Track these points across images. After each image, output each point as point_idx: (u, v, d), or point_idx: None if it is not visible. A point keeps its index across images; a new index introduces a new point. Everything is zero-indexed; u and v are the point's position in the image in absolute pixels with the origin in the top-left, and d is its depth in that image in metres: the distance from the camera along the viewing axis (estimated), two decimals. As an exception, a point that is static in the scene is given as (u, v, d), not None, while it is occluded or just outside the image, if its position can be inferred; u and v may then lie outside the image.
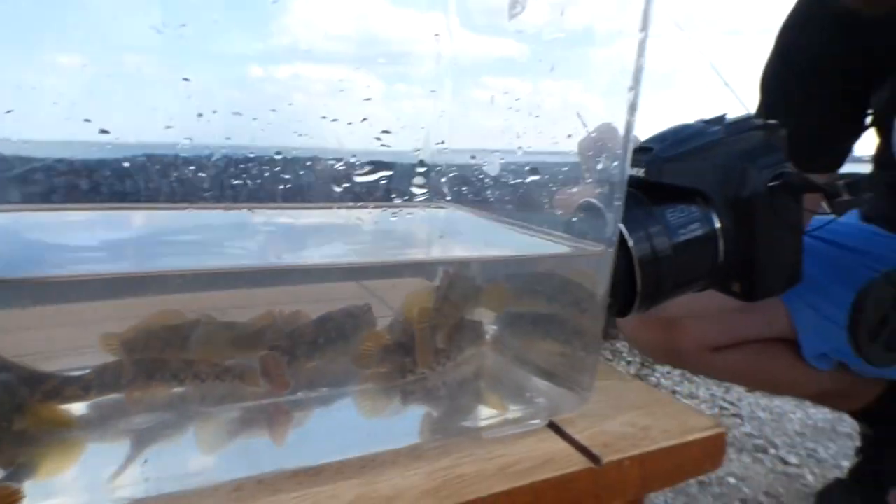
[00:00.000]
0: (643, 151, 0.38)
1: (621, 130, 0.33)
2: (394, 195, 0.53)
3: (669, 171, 0.36)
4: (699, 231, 0.36)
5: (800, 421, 1.18)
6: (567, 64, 0.39)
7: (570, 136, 0.38)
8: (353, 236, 0.41)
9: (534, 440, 0.37)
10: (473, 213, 0.51)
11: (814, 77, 0.65)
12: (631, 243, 0.35)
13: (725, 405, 1.24)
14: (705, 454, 0.39)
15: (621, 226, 0.35)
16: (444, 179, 0.58)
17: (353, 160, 0.42)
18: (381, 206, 0.50)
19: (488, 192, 0.54)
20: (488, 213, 0.50)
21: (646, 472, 0.37)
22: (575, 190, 0.48)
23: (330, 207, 0.45)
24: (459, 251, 0.50)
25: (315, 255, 0.42)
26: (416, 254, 0.44)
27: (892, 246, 0.78)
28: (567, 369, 0.43)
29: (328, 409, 0.38)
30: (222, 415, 0.34)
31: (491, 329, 0.46)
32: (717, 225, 0.37)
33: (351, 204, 0.42)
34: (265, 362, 0.34)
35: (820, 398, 0.84)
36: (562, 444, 0.37)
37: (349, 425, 0.37)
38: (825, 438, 1.11)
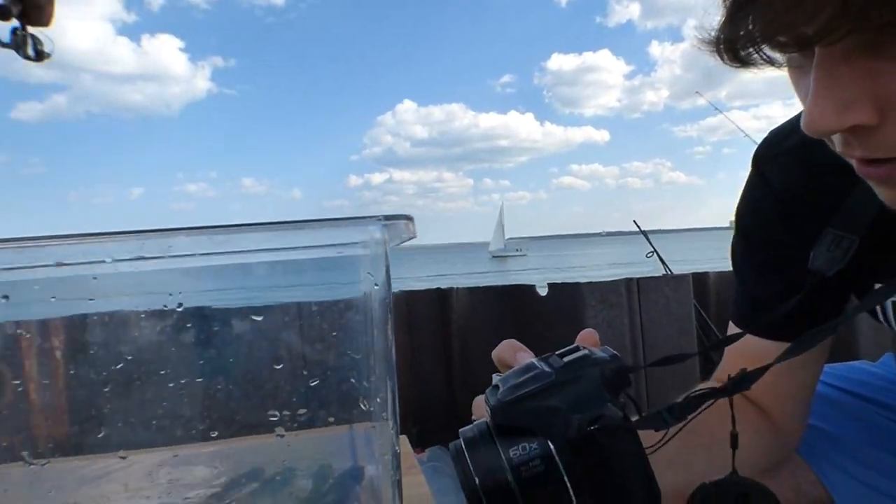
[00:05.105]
0: (493, 389, 0.44)
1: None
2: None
3: (509, 413, 0.42)
4: (541, 467, 0.41)
5: None
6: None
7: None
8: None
9: None
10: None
11: (769, 253, 0.67)
12: (477, 481, 0.41)
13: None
14: None
15: (469, 461, 0.42)
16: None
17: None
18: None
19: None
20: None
21: None
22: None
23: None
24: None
25: None
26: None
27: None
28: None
29: None
30: None
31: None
32: (558, 461, 0.41)
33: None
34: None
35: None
36: None
37: None
38: None
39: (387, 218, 0.39)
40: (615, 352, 0.44)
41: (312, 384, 0.42)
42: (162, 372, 0.45)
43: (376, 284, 0.39)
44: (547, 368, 0.44)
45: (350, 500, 0.48)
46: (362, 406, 0.42)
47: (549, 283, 2.08)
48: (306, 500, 0.48)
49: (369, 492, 0.48)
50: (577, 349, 0.46)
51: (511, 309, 2.15)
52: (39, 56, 1.42)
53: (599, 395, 0.41)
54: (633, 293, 2.03)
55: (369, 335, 0.41)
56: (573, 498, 0.42)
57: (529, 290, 2.14)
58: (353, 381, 0.42)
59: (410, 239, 0.39)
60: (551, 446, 0.42)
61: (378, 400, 0.40)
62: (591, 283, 2.00)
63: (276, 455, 0.45)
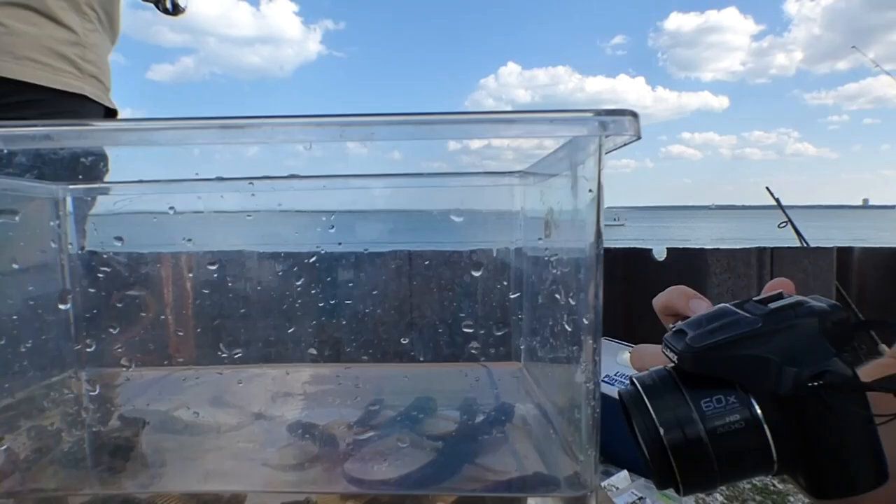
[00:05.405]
0: (678, 334, 0.39)
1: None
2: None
3: (703, 360, 0.37)
4: (740, 424, 0.36)
5: None
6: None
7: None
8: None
9: None
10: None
11: None
12: (661, 432, 0.36)
13: None
14: None
15: (651, 410, 0.37)
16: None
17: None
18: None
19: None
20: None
21: None
22: (650, 350, 0.49)
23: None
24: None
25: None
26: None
27: None
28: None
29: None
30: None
31: None
32: (761, 418, 0.35)
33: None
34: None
35: None
36: None
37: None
38: None
39: (606, 112, 0.34)
40: (835, 302, 0.37)
41: (510, 301, 0.39)
42: (330, 297, 0.44)
43: (590, 190, 0.34)
44: (748, 315, 0.38)
45: (498, 434, 0.46)
46: (567, 328, 0.39)
47: (668, 248, 1.94)
48: (454, 430, 0.47)
49: (522, 430, 0.45)
50: (781, 296, 0.39)
51: (622, 272, 2.05)
52: (175, 10, 1.48)
53: (822, 348, 0.35)
54: (764, 264, 1.85)
55: (580, 246, 0.37)
56: (775, 462, 0.36)
57: (645, 253, 2.02)
58: (569, 298, 0.39)
59: (634, 141, 0.34)
60: (754, 402, 0.36)
61: (586, 321, 0.37)
62: (717, 249, 1.85)
63: (455, 383, 0.43)
